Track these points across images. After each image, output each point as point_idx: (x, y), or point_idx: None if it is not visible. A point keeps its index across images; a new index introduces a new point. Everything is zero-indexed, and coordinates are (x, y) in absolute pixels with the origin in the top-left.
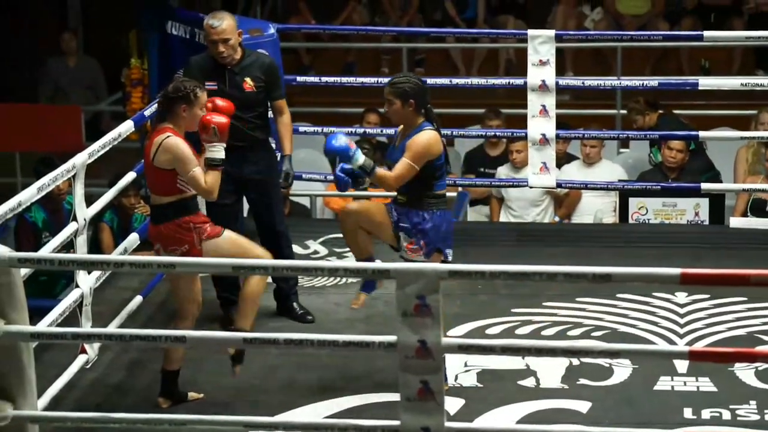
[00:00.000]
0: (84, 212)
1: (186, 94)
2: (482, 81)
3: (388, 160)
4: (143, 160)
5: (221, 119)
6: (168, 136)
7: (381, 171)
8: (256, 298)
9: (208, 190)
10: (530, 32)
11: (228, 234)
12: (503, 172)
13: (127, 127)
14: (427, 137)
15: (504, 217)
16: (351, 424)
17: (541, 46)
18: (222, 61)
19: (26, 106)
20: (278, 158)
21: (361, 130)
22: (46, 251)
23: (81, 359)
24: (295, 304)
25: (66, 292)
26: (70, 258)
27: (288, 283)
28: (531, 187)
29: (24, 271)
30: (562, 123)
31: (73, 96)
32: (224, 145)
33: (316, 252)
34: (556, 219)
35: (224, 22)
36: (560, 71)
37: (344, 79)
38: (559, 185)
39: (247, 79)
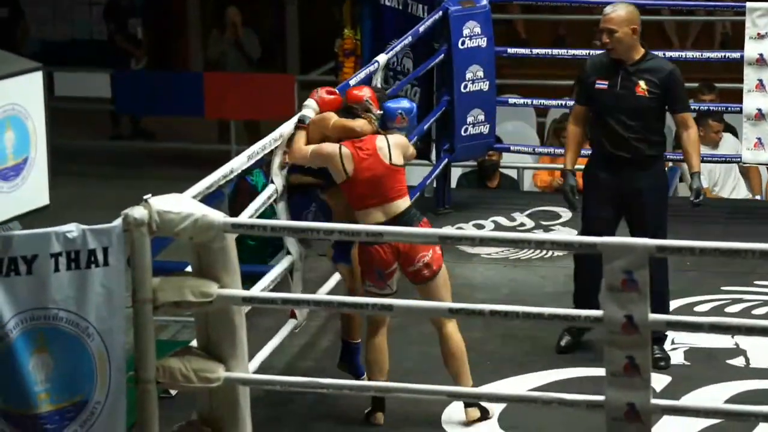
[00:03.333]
0: (279, 181)
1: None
2: (697, 54)
3: None
4: (357, 174)
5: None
6: (385, 135)
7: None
8: (464, 352)
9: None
10: (749, 5)
11: None
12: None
13: None
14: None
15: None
16: (555, 398)
17: (759, 19)
18: (611, 54)
19: (242, 75)
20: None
21: (572, 103)
22: (245, 216)
23: (290, 324)
24: (655, 348)
25: (276, 258)
26: (281, 225)
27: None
28: (744, 164)
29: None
30: None
31: (230, 68)
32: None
33: (522, 224)
34: (758, 197)
35: (615, 12)
36: None
37: (555, 52)
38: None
39: (641, 83)
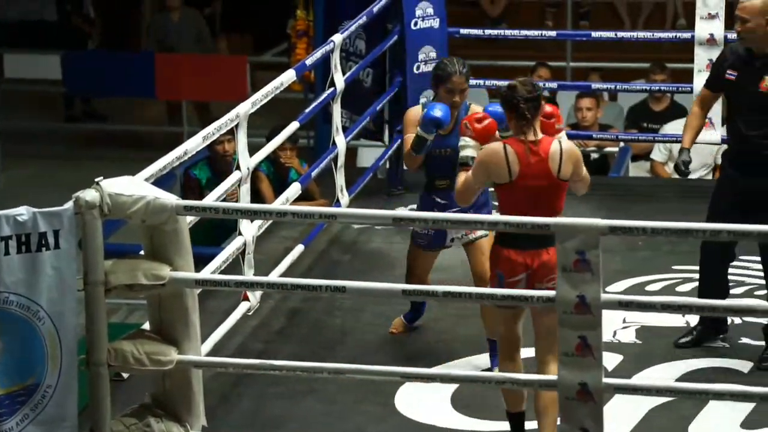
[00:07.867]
0: (247, 161)
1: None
2: (648, 34)
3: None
4: (520, 179)
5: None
6: (560, 141)
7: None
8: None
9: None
10: None
11: None
12: (670, 128)
13: (288, 76)
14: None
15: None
16: (508, 378)
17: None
18: (742, 43)
19: (193, 56)
20: None
21: None
22: (210, 200)
23: (243, 306)
24: None
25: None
26: (234, 207)
27: None
28: (696, 143)
29: (189, 219)
30: None
31: (179, 50)
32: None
33: None
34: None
35: (750, 1)
36: (729, 25)
37: (508, 32)
38: (724, 141)
39: (767, 78)
